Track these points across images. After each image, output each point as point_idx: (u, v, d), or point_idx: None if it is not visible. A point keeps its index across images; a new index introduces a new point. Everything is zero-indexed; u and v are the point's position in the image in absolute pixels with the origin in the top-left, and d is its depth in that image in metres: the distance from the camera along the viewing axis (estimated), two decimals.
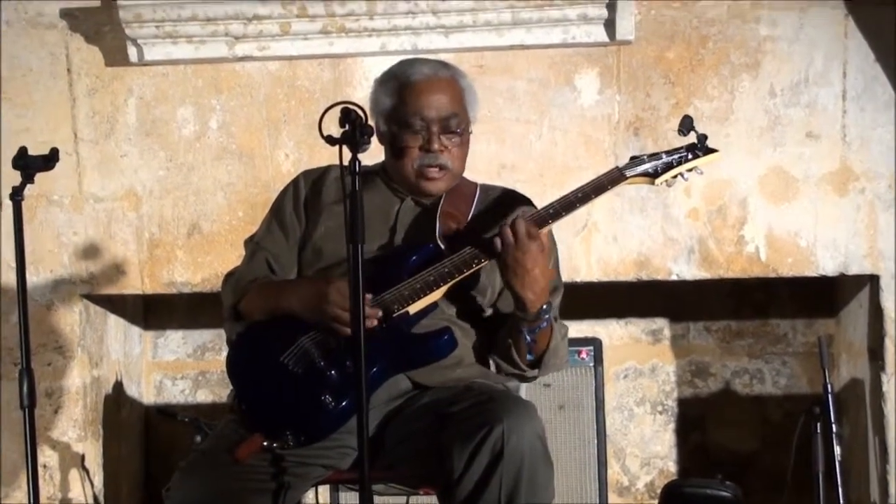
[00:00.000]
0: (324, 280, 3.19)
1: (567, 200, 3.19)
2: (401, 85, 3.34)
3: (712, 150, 3.32)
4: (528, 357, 3.26)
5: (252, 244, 3.48)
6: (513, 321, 3.22)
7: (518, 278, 3.11)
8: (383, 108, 3.35)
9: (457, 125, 3.31)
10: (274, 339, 3.19)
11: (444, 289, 3.17)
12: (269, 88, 4.88)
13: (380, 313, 3.12)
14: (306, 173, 3.52)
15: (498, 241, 3.11)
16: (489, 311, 3.36)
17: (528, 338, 3.20)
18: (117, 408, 5.31)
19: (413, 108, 3.29)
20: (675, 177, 3.31)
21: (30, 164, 3.40)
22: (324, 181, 3.44)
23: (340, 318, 3.08)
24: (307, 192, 3.45)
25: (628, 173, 3.26)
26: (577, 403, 4.76)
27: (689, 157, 3.30)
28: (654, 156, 3.30)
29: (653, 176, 3.29)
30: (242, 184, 4.88)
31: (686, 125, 3.29)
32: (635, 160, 3.30)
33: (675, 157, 3.30)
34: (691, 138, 3.31)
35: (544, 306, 3.16)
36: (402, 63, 3.44)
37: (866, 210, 4.75)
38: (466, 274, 3.16)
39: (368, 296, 3.05)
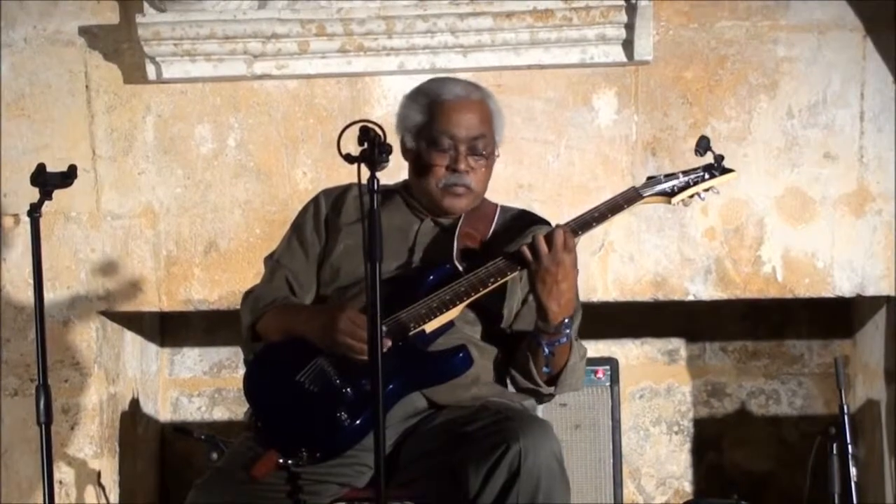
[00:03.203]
0: (336, 308, 3.18)
1: (583, 220, 3.19)
2: (432, 102, 3.35)
3: (729, 171, 3.34)
4: (545, 370, 3.23)
5: (272, 262, 3.48)
6: (533, 333, 3.21)
7: (546, 287, 3.10)
8: (412, 124, 3.36)
9: (483, 147, 3.32)
10: (291, 358, 3.19)
11: (460, 307, 3.17)
12: (287, 107, 4.89)
13: (389, 343, 3.10)
14: (327, 192, 3.52)
15: (526, 250, 3.10)
16: (506, 331, 3.35)
17: (546, 350, 3.18)
18: (133, 425, 5.31)
19: (442, 126, 3.30)
20: (691, 196, 3.32)
21: (48, 181, 3.41)
22: (344, 200, 3.44)
23: (354, 349, 3.08)
24: (327, 210, 3.45)
25: (645, 193, 3.27)
26: (593, 423, 4.76)
27: (706, 176, 3.32)
28: (671, 175, 3.32)
29: (669, 195, 3.30)
30: (260, 202, 4.89)
31: (703, 145, 3.30)
32: (652, 180, 3.32)
33: (692, 176, 3.31)
34: (708, 158, 3.32)
35: (566, 320, 3.15)
36: (434, 80, 3.46)
37: (883, 231, 4.74)
38: (483, 293, 3.16)
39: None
